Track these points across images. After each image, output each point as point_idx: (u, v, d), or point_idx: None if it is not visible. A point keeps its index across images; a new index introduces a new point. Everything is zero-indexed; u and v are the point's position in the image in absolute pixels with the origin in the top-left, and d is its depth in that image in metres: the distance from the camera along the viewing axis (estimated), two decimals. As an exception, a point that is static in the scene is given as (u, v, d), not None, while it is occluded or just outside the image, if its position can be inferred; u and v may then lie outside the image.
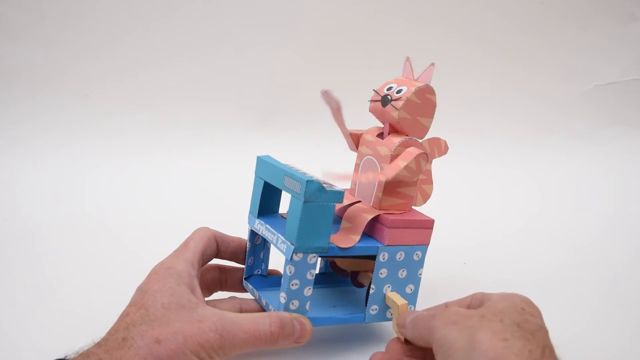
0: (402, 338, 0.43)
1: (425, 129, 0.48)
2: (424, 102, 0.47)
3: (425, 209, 0.51)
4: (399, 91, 0.47)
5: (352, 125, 0.51)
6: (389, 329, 0.50)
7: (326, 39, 1.05)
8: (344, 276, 0.54)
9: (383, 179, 0.46)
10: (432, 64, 0.47)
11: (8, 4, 0.99)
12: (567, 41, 1.08)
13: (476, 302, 0.40)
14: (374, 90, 0.49)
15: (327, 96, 0.44)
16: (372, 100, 0.49)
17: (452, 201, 0.91)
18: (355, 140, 0.51)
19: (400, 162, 0.46)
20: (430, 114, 0.48)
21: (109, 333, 0.38)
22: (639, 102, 1.11)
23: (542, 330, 0.34)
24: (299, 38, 1.05)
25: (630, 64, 1.09)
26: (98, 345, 0.36)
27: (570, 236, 0.84)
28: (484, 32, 1.07)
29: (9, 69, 1.01)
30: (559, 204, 0.97)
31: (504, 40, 1.08)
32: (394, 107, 0.46)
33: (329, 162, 0.75)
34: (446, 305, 0.43)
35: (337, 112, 0.46)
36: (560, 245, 0.80)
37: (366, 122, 0.51)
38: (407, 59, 0.49)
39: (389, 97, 0.47)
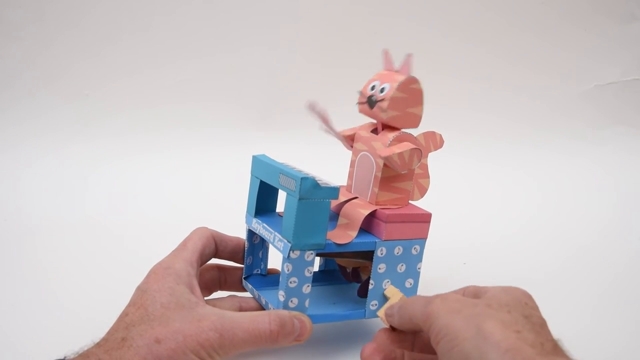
0: (388, 327, 0.43)
1: (418, 117, 0.48)
2: (409, 93, 0.46)
3: (426, 209, 0.51)
4: (382, 90, 0.46)
5: (352, 124, 0.51)
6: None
7: (325, 38, 1.05)
8: (346, 279, 0.54)
9: (380, 150, 0.46)
10: (410, 54, 0.46)
11: (8, 4, 0.99)
12: (567, 41, 1.08)
13: (469, 295, 0.39)
14: (358, 92, 0.49)
15: (312, 108, 0.44)
16: (359, 103, 0.49)
17: (452, 201, 0.92)
18: (349, 140, 0.51)
19: (395, 149, 0.46)
20: (419, 102, 0.47)
21: (108, 333, 0.38)
22: (639, 102, 1.11)
23: (546, 326, 0.34)
24: (298, 38, 1.05)
25: (630, 64, 1.09)
26: (97, 345, 0.36)
27: (570, 236, 0.84)
28: (484, 32, 1.07)
29: (9, 69, 1.01)
30: (558, 204, 0.97)
31: (504, 40, 1.08)
32: (380, 108, 0.46)
33: (327, 161, 0.76)
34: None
35: (325, 121, 0.46)
36: (560, 245, 0.80)
37: (365, 119, 0.51)
38: (385, 52, 0.49)
39: (373, 98, 0.47)
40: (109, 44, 1.03)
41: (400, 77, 0.46)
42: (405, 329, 0.41)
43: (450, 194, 0.92)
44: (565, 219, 0.91)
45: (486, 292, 0.37)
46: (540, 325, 0.33)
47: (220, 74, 1.05)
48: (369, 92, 0.48)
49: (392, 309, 0.42)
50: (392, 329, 0.43)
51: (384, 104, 0.46)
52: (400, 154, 0.45)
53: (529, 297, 0.36)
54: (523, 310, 0.34)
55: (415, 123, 0.48)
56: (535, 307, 0.35)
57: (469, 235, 0.81)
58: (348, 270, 0.53)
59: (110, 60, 1.03)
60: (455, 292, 0.41)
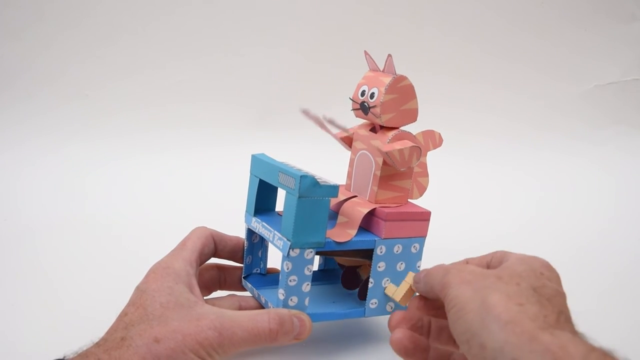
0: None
1: (414, 111, 0.48)
2: (399, 92, 0.47)
3: (426, 208, 0.51)
4: (372, 95, 0.47)
5: (353, 123, 0.51)
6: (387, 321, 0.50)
7: (325, 38, 1.05)
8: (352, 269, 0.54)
9: (377, 145, 0.46)
10: (389, 55, 0.46)
11: (8, 4, 0.99)
12: (567, 41, 1.08)
13: (496, 262, 0.39)
14: (350, 99, 0.49)
15: (306, 114, 0.45)
16: (353, 109, 0.49)
17: (452, 200, 0.92)
18: (347, 141, 0.51)
19: (396, 145, 0.46)
20: (412, 97, 0.47)
21: (107, 333, 0.38)
22: (639, 102, 1.11)
23: (559, 296, 0.33)
24: (297, 38, 1.05)
25: (630, 64, 1.09)
26: (97, 345, 0.36)
27: (570, 236, 0.84)
28: (484, 32, 1.07)
29: (9, 69, 1.01)
30: (558, 204, 0.97)
31: (504, 40, 1.08)
32: (374, 114, 0.46)
33: (327, 161, 0.76)
34: (467, 261, 0.42)
35: (321, 126, 0.46)
36: (560, 245, 0.80)
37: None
38: (365, 52, 0.49)
39: (366, 104, 0.47)
40: (109, 44, 1.03)
41: (387, 79, 0.46)
42: (430, 297, 0.40)
43: (450, 194, 0.92)
44: (565, 219, 0.91)
45: (508, 259, 0.37)
46: (549, 297, 0.33)
47: (220, 74, 1.06)
48: (360, 98, 0.48)
49: (419, 275, 0.41)
50: (422, 297, 0.42)
51: (377, 110, 0.46)
52: (400, 151, 0.45)
53: (548, 266, 0.36)
54: (535, 281, 0.34)
55: (413, 117, 0.48)
56: (552, 278, 0.35)
57: (469, 235, 0.81)
58: (342, 269, 0.53)
59: (110, 60, 1.03)
60: (484, 256, 0.41)
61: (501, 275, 0.34)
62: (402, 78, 0.47)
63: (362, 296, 0.49)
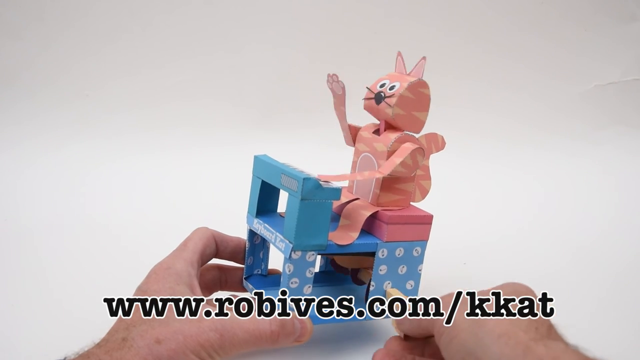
0: (401, 335, 0.43)
1: (421, 123, 0.48)
2: (417, 96, 0.47)
3: (425, 209, 0.51)
4: (392, 87, 0.47)
5: (354, 122, 0.51)
6: (390, 326, 0.50)
7: (327, 37, 1.05)
8: (344, 274, 0.54)
9: (379, 176, 0.46)
10: (423, 58, 0.47)
11: (8, 4, 0.99)
12: (567, 41, 1.08)
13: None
14: (366, 87, 0.49)
15: (332, 80, 0.44)
16: (365, 98, 0.48)
17: (452, 200, 0.92)
18: (353, 133, 0.51)
19: (396, 159, 0.46)
20: (425, 108, 0.48)
21: (109, 334, 0.38)
22: (639, 102, 1.11)
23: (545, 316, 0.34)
24: (299, 37, 1.05)
25: (630, 64, 1.09)
26: (98, 345, 0.36)
27: (570, 236, 0.84)
28: (484, 32, 1.07)
29: (9, 69, 1.01)
30: (559, 204, 0.97)
31: (504, 40, 1.08)
32: (387, 104, 0.46)
33: (329, 161, 0.76)
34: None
35: (340, 99, 0.45)
36: (561, 245, 0.80)
37: (366, 120, 0.51)
38: (399, 54, 0.49)
39: (382, 94, 0.47)
40: (109, 44, 1.03)
41: (412, 79, 0.46)
42: (416, 335, 0.41)
43: (450, 194, 0.92)
44: (565, 219, 0.91)
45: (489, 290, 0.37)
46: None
47: (220, 73, 1.05)
48: (378, 89, 0.48)
49: (402, 318, 0.42)
50: (405, 337, 0.43)
51: (392, 100, 0.46)
52: (403, 163, 0.45)
53: (531, 291, 0.37)
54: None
55: (417, 128, 0.48)
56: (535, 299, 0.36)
57: (469, 236, 0.81)
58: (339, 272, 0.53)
59: (110, 60, 1.03)
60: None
61: (488, 297, 0.35)
62: (426, 85, 0.47)
63: (358, 283, 0.49)
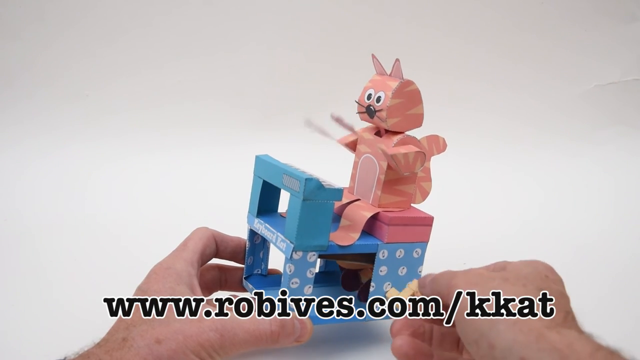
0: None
1: (420, 117, 0.48)
2: (406, 97, 0.46)
3: (425, 209, 0.51)
4: (378, 99, 0.47)
5: (354, 122, 0.51)
6: (389, 326, 0.50)
7: (326, 38, 1.05)
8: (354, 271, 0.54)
9: (383, 148, 0.46)
10: (397, 60, 0.46)
11: (8, 4, 0.99)
12: (567, 41, 1.08)
13: (496, 270, 0.39)
14: (356, 102, 0.49)
15: (308, 125, 0.45)
16: (359, 112, 0.49)
17: (452, 201, 0.92)
18: (352, 146, 0.51)
19: (402, 149, 0.46)
20: (418, 102, 0.47)
21: (109, 333, 0.38)
22: (639, 102, 1.11)
23: (564, 298, 0.34)
24: (299, 37, 1.05)
25: (630, 64, 1.09)
26: (98, 345, 0.36)
27: (570, 236, 0.84)
28: (484, 32, 1.07)
29: (9, 69, 1.01)
30: (559, 204, 0.97)
31: (505, 40, 1.08)
32: (379, 118, 0.46)
33: (329, 161, 0.76)
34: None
35: (324, 134, 0.47)
36: (561, 245, 0.80)
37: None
38: (373, 56, 0.49)
39: (372, 108, 0.47)
40: (109, 44, 1.02)
41: (394, 84, 0.46)
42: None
43: (450, 194, 0.92)
44: (565, 219, 0.91)
45: (510, 265, 0.37)
46: (555, 298, 0.33)
47: (221, 73, 1.05)
48: (366, 102, 0.48)
49: (425, 279, 0.41)
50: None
51: (383, 114, 0.46)
52: (405, 155, 0.45)
53: (551, 270, 0.36)
54: (540, 283, 0.34)
55: (418, 122, 0.48)
56: (556, 281, 0.36)
57: (469, 236, 0.81)
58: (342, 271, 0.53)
59: (110, 60, 1.03)
60: (484, 267, 0.41)
61: (507, 277, 0.35)
62: (409, 83, 0.46)
63: (363, 298, 0.49)
